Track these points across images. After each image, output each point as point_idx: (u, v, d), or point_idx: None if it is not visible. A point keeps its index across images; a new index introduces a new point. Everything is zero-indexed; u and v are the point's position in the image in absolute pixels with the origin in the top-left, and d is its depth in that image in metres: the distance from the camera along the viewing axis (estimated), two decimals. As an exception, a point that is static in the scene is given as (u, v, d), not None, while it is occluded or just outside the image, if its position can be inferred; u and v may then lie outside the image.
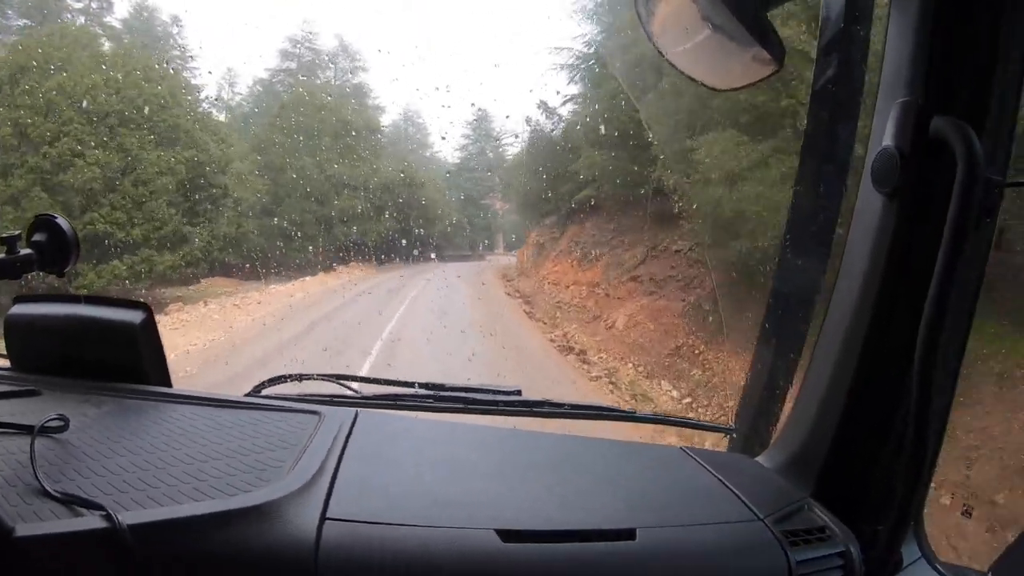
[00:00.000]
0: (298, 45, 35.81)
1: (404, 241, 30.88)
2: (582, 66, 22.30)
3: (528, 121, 26.11)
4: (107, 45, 23.71)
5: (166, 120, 20.97)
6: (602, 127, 17.71)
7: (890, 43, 1.24)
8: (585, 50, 22.54)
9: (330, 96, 33.12)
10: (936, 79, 1.17)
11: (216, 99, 33.22)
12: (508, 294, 23.83)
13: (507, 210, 37.81)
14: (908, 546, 1.33)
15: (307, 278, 26.33)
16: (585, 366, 13.75)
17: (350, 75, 36.77)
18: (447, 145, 46.57)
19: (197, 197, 21.57)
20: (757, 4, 1.34)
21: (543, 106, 24.13)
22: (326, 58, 36.59)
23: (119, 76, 20.31)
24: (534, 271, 25.10)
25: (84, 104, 19.07)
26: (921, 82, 1.18)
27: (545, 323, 17.78)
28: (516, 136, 36.86)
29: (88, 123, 19.18)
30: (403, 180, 31.03)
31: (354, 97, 34.70)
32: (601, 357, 14.32)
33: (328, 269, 28.49)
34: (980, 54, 1.16)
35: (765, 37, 1.34)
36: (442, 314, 17.20)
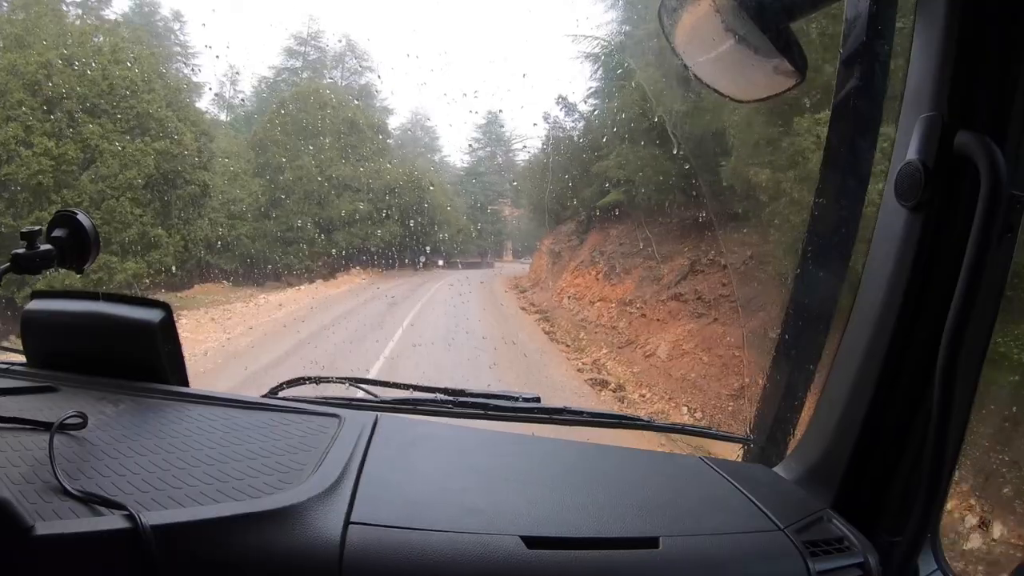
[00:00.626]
0: (304, 43, 34.83)
1: (410, 247, 29.47)
2: (613, 54, 21.00)
3: (546, 118, 25.15)
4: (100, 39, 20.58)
5: (134, 107, 18.71)
6: (632, 123, 16.34)
7: (914, 58, 1.25)
8: (617, 35, 21.73)
9: (333, 94, 31.59)
10: (960, 94, 1.18)
11: (217, 96, 32.35)
12: (523, 308, 22.45)
13: (517, 217, 37.04)
14: (924, 558, 1.33)
15: (304, 286, 25.70)
16: (625, 407, 11.26)
17: (356, 76, 35.91)
18: (457, 149, 46.14)
19: (170, 196, 19.72)
20: (780, 15, 1.35)
21: (563, 102, 23.76)
22: (332, 58, 35.53)
23: (83, 56, 18.16)
24: (550, 282, 23.71)
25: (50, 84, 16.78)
26: (945, 97, 1.19)
27: (568, 346, 15.71)
28: (523, 146, 36.47)
29: (40, 108, 16.86)
30: (409, 183, 29.75)
31: (361, 98, 33.69)
32: (644, 395, 12.15)
33: (328, 276, 27.66)
34: (1004, 70, 1.17)
35: (788, 48, 1.35)
36: (449, 336, 14.65)
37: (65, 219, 1.43)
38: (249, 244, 25.24)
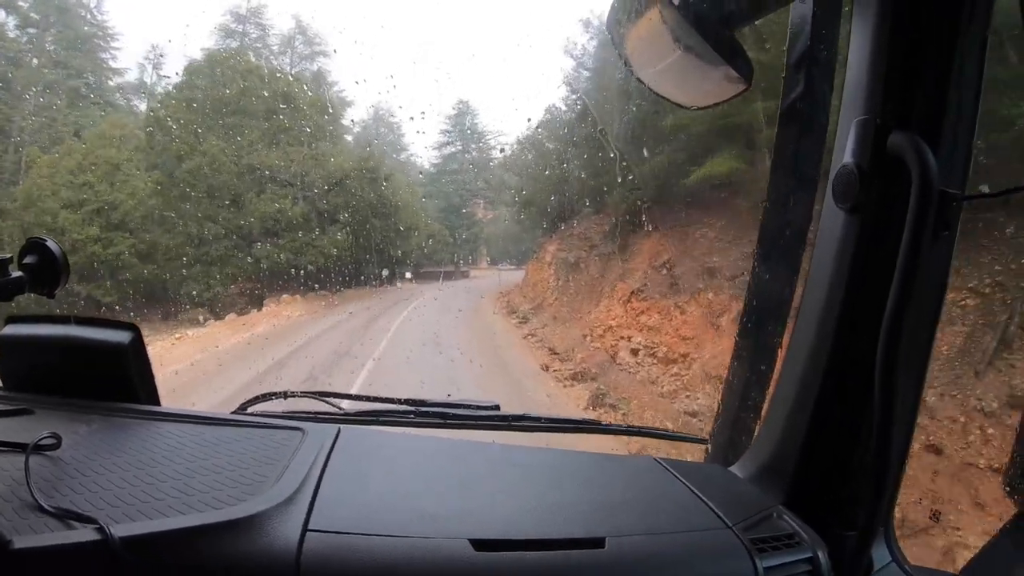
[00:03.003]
0: (242, 21, 30.15)
1: (367, 260, 24.87)
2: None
3: (569, 84, 22.80)
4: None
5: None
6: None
7: (850, 62, 1.28)
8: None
9: (262, 61, 27.32)
10: (893, 97, 1.22)
11: (137, 84, 27.68)
12: (546, 369, 13.68)
13: (492, 219, 33.31)
14: (879, 550, 1.36)
15: (202, 327, 19.46)
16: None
17: (308, 61, 30.98)
18: (424, 148, 41.50)
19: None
20: (724, 24, 1.39)
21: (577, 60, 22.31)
22: (280, 40, 30.86)
23: None
24: (567, 308, 18.53)
25: None
26: (879, 100, 1.22)
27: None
28: (501, 149, 32.56)
29: None
30: (362, 173, 24.56)
31: (315, 89, 28.98)
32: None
33: (246, 308, 22.08)
34: (937, 71, 1.20)
35: (733, 56, 1.38)
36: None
37: (35, 246, 1.47)
38: (135, 266, 21.35)
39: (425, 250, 29.64)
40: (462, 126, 35.31)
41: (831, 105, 1.55)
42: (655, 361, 12.29)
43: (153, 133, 23.70)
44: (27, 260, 1.45)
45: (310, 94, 28.53)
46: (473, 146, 35.69)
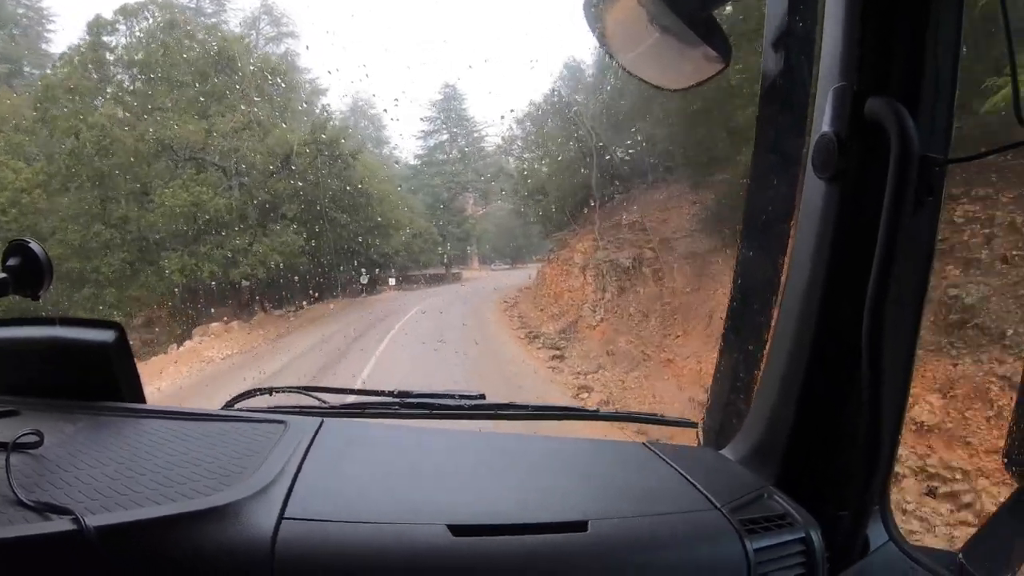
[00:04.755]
0: None
1: (331, 266, 20.50)
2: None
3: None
4: None
5: None
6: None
7: (826, 30, 1.27)
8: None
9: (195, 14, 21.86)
10: (870, 62, 1.20)
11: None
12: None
13: (483, 215, 30.03)
14: (875, 529, 1.33)
15: None
16: None
17: (274, 43, 27.16)
18: (407, 138, 36.58)
19: None
20: (700, 4, 1.38)
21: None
22: (241, 21, 26.56)
23: None
24: (633, 336, 13.67)
25: None
26: (855, 66, 1.21)
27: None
28: (498, 144, 28.19)
29: None
30: (317, 149, 19.57)
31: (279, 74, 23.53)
32: None
33: (155, 348, 17.15)
34: (913, 35, 1.19)
35: (710, 36, 1.38)
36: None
37: (18, 248, 1.47)
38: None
39: (410, 251, 25.57)
40: (448, 112, 31.92)
41: (810, 80, 1.54)
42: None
43: (45, 109, 18.61)
44: (10, 262, 1.45)
45: (256, 53, 23.90)
46: (459, 132, 32.17)
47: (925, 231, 1.24)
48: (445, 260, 29.18)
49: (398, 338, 16.96)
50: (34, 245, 1.47)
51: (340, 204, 20.28)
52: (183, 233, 18.69)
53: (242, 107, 20.22)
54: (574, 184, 18.48)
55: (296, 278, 20.15)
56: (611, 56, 1.55)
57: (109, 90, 20.08)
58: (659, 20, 1.39)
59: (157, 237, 18.85)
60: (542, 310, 18.69)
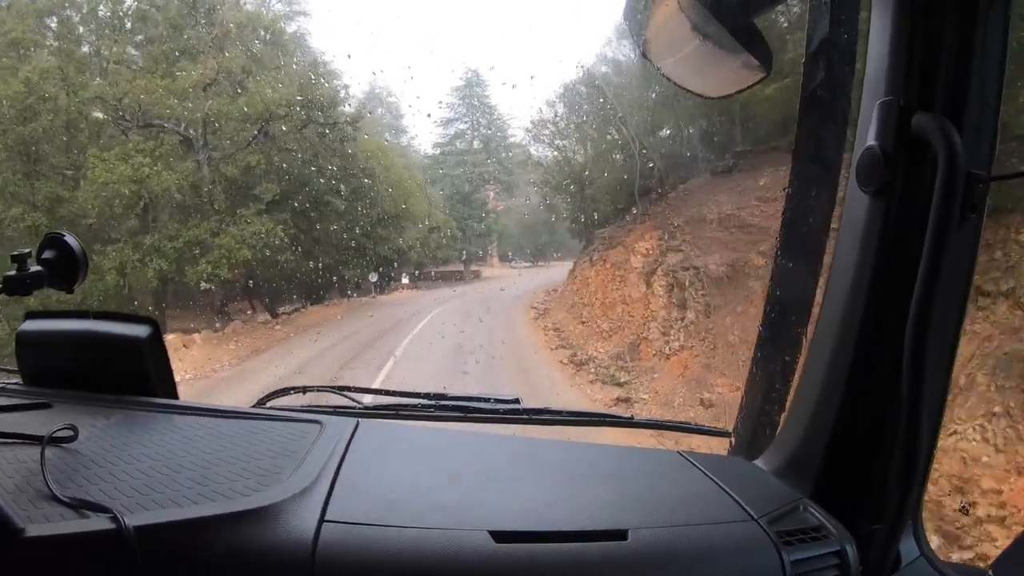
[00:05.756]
0: None
1: (336, 263, 17.70)
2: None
3: None
4: None
5: None
6: None
7: (871, 44, 1.27)
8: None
9: None
10: (916, 77, 1.20)
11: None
12: None
13: (505, 209, 28.02)
14: (907, 544, 1.33)
15: None
16: None
17: (284, 22, 21.98)
18: (425, 126, 35.46)
19: None
20: (743, 11, 1.37)
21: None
22: None
23: None
24: None
25: None
26: (902, 81, 1.21)
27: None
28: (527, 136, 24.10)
29: None
30: (308, 115, 16.54)
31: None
32: None
33: None
34: (959, 50, 1.18)
35: (752, 43, 1.37)
36: None
37: (54, 241, 1.49)
38: None
39: (426, 246, 22.76)
40: (470, 99, 29.73)
41: (852, 90, 1.53)
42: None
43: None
44: (45, 255, 1.47)
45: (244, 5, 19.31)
46: (483, 123, 29.87)
47: (968, 248, 1.23)
48: (464, 257, 27.20)
49: (406, 362, 13.52)
50: (69, 238, 1.48)
51: (337, 188, 17.02)
52: (121, 219, 15.16)
53: (212, 62, 16.75)
54: (627, 168, 15.32)
55: (281, 278, 16.92)
56: (652, 63, 1.55)
57: (56, 44, 16.69)
58: (701, 27, 1.39)
59: (90, 223, 15.13)
60: (584, 323, 15.01)
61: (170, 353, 1.66)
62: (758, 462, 1.56)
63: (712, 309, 11.63)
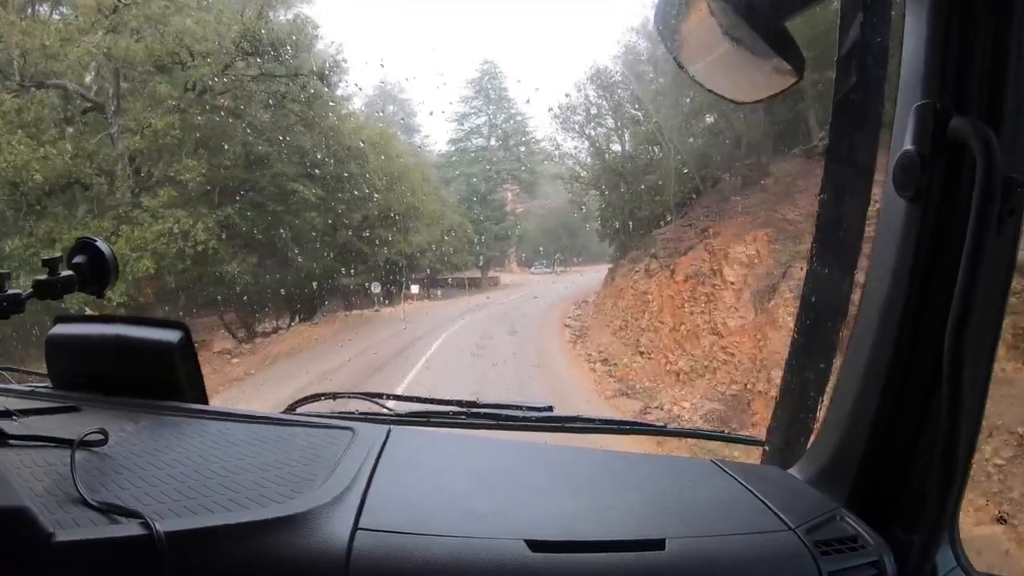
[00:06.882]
0: None
1: (311, 273, 14.32)
2: None
3: None
4: None
5: None
6: None
7: (906, 47, 1.25)
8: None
9: None
10: (953, 80, 1.18)
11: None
12: None
13: (523, 212, 25.99)
14: (943, 554, 1.30)
15: None
16: None
17: (284, 8, 18.23)
18: (439, 123, 33.86)
19: None
20: (774, 15, 1.36)
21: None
22: None
23: None
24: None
25: None
26: (938, 84, 1.19)
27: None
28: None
29: None
30: (255, 56, 12.69)
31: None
32: None
33: None
34: (995, 53, 1.16)
35: (784, 48, 1.36)
36: None
37: (85, 246, 1.51)
38: None
39: (440, 251, 20.39)
40: (486, 92, 27.60)
41: (885, 94, 1.51)
42: None
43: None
44: (76, 259, 1.49)
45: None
46: (500, 118, 27.54)
47: (1006, 252, 1.21)
48: (481, 263, 25.02)
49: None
50: (100, 243, 1.51)
51: (309, 171, 13.07)
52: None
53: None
54: (693, 154, 12.33)
55: (247, 292, 12.92)
56: (682, 67, 1.54)
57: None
58: (732, 31, 1.38)
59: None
60: (645, 355, 11.38)
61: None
62: (792, 471, 1.54)
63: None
